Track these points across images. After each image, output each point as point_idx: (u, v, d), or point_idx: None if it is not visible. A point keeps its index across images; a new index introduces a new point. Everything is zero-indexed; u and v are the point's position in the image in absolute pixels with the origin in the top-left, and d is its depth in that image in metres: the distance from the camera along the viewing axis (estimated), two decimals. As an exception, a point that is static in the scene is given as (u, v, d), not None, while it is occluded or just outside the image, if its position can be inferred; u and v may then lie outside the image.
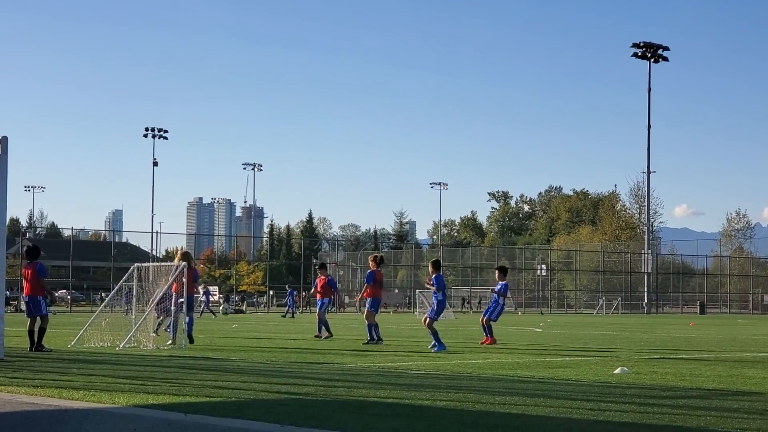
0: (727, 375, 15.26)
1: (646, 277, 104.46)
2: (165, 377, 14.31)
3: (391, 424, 9.08)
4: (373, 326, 24.39)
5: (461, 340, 28.27)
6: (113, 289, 26.68)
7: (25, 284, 21.68)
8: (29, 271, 21.34)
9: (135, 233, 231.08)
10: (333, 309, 32.14)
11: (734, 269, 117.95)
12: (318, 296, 28.66)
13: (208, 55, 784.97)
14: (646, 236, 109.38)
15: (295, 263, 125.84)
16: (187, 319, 22.97)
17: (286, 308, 64.52)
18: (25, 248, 22.46)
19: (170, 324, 22.97)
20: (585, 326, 44.86)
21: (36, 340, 20.75)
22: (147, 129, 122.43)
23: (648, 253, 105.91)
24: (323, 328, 27.23)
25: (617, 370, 15.60)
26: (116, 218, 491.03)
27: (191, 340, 23.09)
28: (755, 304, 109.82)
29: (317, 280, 29.28)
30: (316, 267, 29.97)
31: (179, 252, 25.24)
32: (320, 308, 28.09)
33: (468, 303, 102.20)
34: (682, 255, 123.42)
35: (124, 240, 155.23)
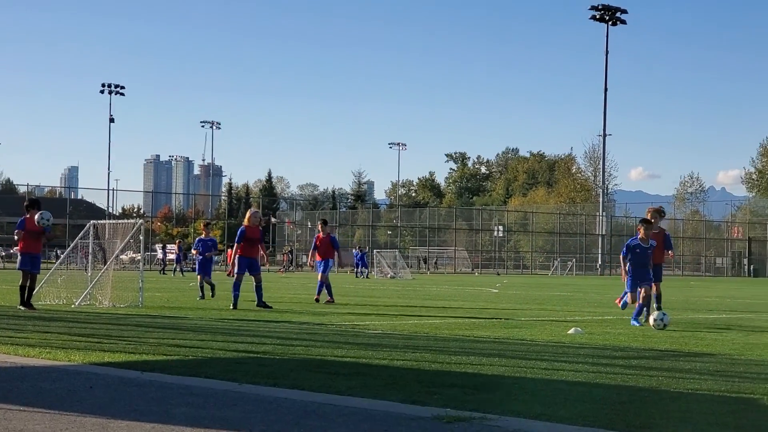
0: (680, 336, 15.48)
1: (600, 239, 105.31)
2: (121, 335, 14.28)
3: (348, 383, 9.13)
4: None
5: (419, 300, 28.41)
6: (69, 246, 26.49)
7: None
8: None
9: (91, 190, 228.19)
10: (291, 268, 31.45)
11: (687, 232, 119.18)
12: (318, 257, 25.95)
13: (167, 11, 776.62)
14: (600, 199, 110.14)
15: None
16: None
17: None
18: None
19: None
20: (540, 287, 45.25)
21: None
22: (104, 85, 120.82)
23: (602, 216, 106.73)
24: (325, 290, 25.13)
25: (571, 331, 15.77)
26: (72, 175, 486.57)
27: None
28: (708, 266, 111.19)
29: (316, 238, 26.39)
30: (319, 222, 26.99)
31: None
32: (324, 270, 25.51)
33: (425, 263, 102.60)
34: (636, 218, 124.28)
35: (79, 197, 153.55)
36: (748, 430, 7.13)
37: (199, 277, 26.89)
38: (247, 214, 23.22)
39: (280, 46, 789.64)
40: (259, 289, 22.10)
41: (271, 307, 21.65)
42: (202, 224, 28.01)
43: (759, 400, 8.50)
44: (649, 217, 18.87)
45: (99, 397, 8.16)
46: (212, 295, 26.11)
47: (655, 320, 16.67)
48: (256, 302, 21.98)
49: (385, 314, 20.48)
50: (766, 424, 7.39)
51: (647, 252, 18.07)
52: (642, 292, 17.95)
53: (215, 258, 33.96)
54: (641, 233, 18.23)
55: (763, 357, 12.29)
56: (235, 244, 22.73)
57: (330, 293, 25.00)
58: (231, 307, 21.48)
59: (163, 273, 62.84)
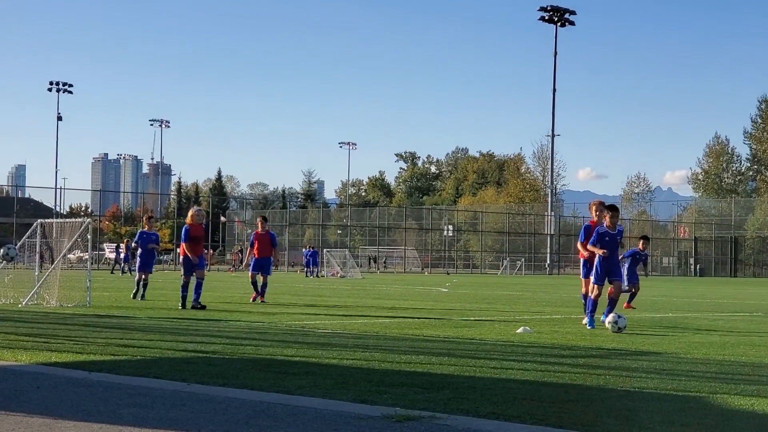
0: (627, 335, 15.63)
1: (549, 238, 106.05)
2: (68, 335, 14.15)
3: (297, 382, 9.13)
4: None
5: (369, 299, 28.43)
6: (16, 245, 26.19)
7: None
8: None
9: (38, 189, 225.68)
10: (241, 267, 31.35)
11: (634, 232, 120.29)
12: (255, 254, 25.56)
13: (114, 7, 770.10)
14: (549, 198, 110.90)
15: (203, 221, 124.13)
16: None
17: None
18: None
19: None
20: (490, 286, 45.47)
21: None
22: (51, 83, 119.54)
23: (551, 215, 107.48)
24: (251, 286, 25.24)
25: (520, 330, 15.87)
26: (19, 173, 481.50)
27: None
28: (654, 266, 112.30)
29: (254, 234, 26.10)
30: (258, 219, 26.88)
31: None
32: (267, 271, 25.44)
33: (375, 262, 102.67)
34: (584, 217, 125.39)
35: (27, 196, 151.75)
36: (693, 428, 7.23)
37: (138, 275, 25.52)
38: (190, 212, 22.81)
39: (230, 44, 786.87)
40: (199, 286, 21.76)
41: (204, 307, 21.31)
42: (144, 218, 27.50)
43: (704, 398, 8.61)
44: (594, 210, 17.98)
45: (46, 398, 8.08)
46: (142, 296, 24.91)
47: (611, 323, 16.13)
48: (191, 302, 21.42)
49: (335, 314, 20.48)
50: (711, 422, 7.49)
51: (616, 239, 17.10)
52: (612, 287, 16.91)
53: (158, 256, 33.40)
54: (607, 221, 17.18)
55: (708, 356, 12.46)
56: (182, 243, 22.47)
57: (256, 291, 25.01)
58: (180, 307, 21.31)
59: (113, 272, 62.67)
